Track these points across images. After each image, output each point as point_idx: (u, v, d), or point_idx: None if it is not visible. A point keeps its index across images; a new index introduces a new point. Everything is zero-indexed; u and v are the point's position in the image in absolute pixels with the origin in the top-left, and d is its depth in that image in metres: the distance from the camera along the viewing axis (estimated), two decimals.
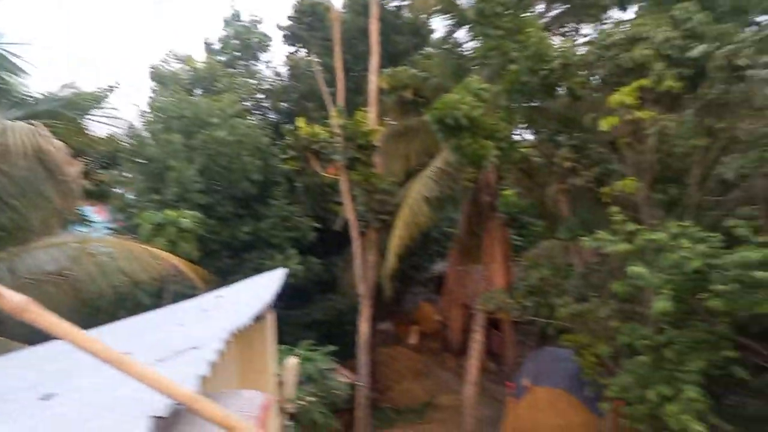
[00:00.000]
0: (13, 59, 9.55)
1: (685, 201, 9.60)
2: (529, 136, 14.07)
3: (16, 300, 1.27)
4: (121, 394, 1.34)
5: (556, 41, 13.05)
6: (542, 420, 12.77)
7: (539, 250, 20.03)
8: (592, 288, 11.19)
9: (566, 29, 16.16)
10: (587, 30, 15.60)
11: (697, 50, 8.44)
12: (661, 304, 7.50)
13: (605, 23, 13.37)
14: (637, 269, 7.85)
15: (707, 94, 8.68)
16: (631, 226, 8.55)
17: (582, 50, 10.20)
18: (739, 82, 8.43)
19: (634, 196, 9.55)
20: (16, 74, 10.15)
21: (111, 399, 1.39)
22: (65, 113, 10.59)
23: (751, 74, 7.70)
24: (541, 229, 21.71)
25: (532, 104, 11.84)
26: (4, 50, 9.39)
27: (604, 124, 9.16)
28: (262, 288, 3.69)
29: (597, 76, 10.09)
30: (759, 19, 11.79)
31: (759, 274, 7.22)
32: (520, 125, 12.40)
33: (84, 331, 1.39)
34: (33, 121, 7.73)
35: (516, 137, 13.61)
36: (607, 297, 9.67)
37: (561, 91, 11.41)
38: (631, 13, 11.75)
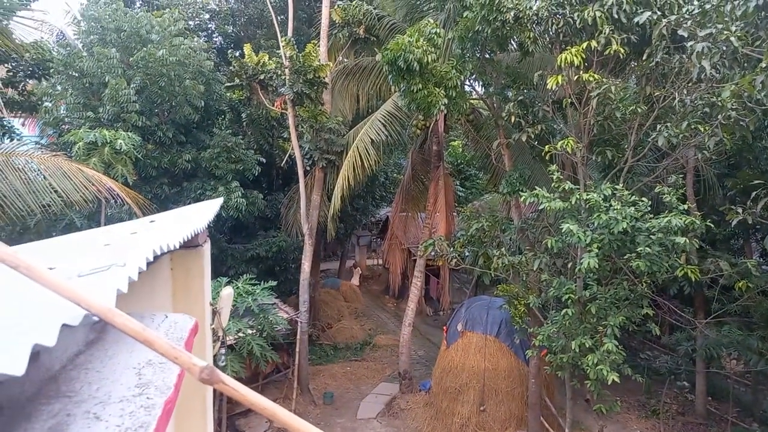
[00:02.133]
0: None
1: (619, 165, 10.02)
2: (479, 89, 14.10)
3: None
4: (30, 301, 1.30)
5: None
6: (472, 363, 13.52)
7: (481, 202, 20.57)
8: (528, 242, 11.67)
9: None
10: None
11: (644, 16, 8.60)
12: (588, 261, 7.94)
13: None
14: (569, 226, 8.22)
15: (649, 62, 8.93)
16: (568, 186, 8.88)
17: (536, 5, 10.16)
18: (679, 53, 8.71)
19: (573, 156, 9.87)
20: None
21: (16, 305, 1.34)
22: None
23: (690, 46, 7.95)
24: (484, 182, 22.18)
25: (484, 55, 11.82)
26: None
27: (551, 82, 9.31)
28: (196, 215, 3.60)
29: (548, 33, 10.13)
30: None
31: (680, 239, 7.74)
32: (471, 76, 12.38)
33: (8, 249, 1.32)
34: None
35: (467, 88, 13.61)
36: (540, 251, 10.12)
37: (513, 44, 11.42)
38: None
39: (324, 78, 14.78)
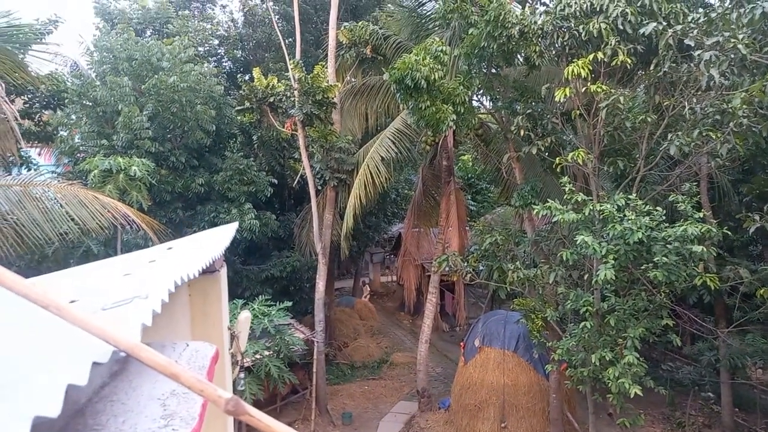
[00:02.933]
0: None
1: (632, 175, 9.97)
2: (486, 103, 14.18)
3: None
4: (60, 339, 1.33)
5: (517, 8, 13.05)
6: (491, 378, 13.39)
7: (493, 215, 20.51)
8: (542, 255, 11.60)
9: None
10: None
11: (649, 27, 8.62)
12: (605, 272, 7.87)
13: None
14: (584, 238, 8.17)
15: (657, 71, 8.93)
16: (581, 197, 8.85)
17: (541, 19, 10.24)
18: (686, 62, 8.70)
19: (584, 167, 9.84)
20: None
21: (48, 344, 1.37)
22: (1, 46, 9.86)
23: (698, 55, 7.95)
24: (495, 195, 22.14)
25: (491, 71, 11.89)
26: None
27: (559, 95, 9.33)
28: (213, 241, 3.64)
29: (554, 47, 10.19)
30: (709, 0, 12.10)
31: (696, 248, 7.66)
32: (479, 91, 12.46)
33: (21, 277, 1.35)
34: None
35: (474, 103, 13.68)
36: (555, 264, 10.05)
37: (519, 59, 11.50)
38: None
39: (333, 98, 14.95)
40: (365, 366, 19.67)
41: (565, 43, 9.78)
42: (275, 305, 13.61)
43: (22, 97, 16.97)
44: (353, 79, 17.23)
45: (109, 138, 14.40)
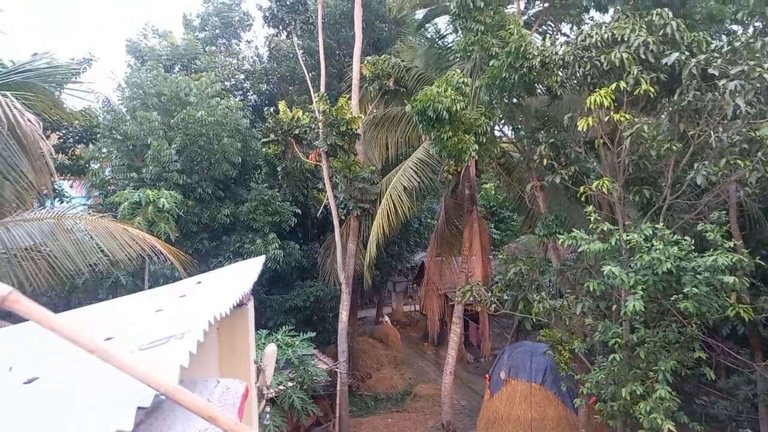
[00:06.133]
0: None
1: (658, 203, 9.84)
2: (508, 132, 14.22)
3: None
4: (105, 382, 1.38)
5: (537, 39, 13.17)
6: (518, 412, 13.08)
7: (517, 244, 20.36)
8: (568, 285, 11.42)
9: (546, 28, 16.35)
10: (567, 30, 15.81)
11: (672, 57, 8.62)
12: (633, 303, 7.72)
13: (584, 24, 13.58)
14: (611, 268, 8.05)
15: (681, 100, 8.88)
16: (606, 226, 8.74)
17: (561, 49, 10.32)
18: (711, 91, 8.64)
19: (609, 196, 9.75)
20: None
21: (95, 387, 1.42)
22: (39, 85, 10.26)
23: (723, 84, 7.90)
24: (518, 223, 22.00)
25: (512, 101, 11.96)
26: None
27: (581, 124, 9.32)
28: (242, 275, 3.71)
29: (575, 76, 10.23)
30: (732, 28, 12.06)
31: (728, 278, 7.47)
32: (500, 121, 12.52)
33: (67, 319, 1.41)
34: (5, 93, 7.52)
35: (496, 133, 13.75)
36: (582, 294, 9.88)
37: (540, 89, 11.55)
38: (609, 15, 11.94)
39: (356, 129, 15.18)
40: (389, 398, 19.40)
41: (586, 73, 9.81)
42: (299, 335, 13.61)
43: (57, 132, 17.61)
44: (375, 110, 17.51)
45: (139, 171, 14.80)
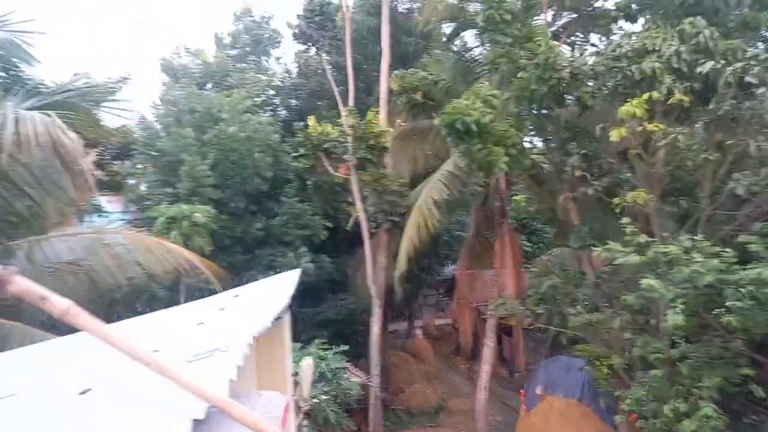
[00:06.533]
0: (27, 48, 9.59)
1: (696, 214, 9.57)
2: (539, 143, 14.09)
3: (61, 304, 1.34)
4: (157, 393, 1.41)
5: (566, 50, 13.06)
6: (555, 429, 12.79)
7: (550, 257, 20.06)
8: (605, 298, 11.16)
9: (575, 38, 16.22)
10: (596, 40, 15.65)
11: (706, 66, 8.43)
12: (674, 317, 7.48)
13: (614, 34, 13.43)
14: (649, 282, 7.84)
15: (717, 109, 8.65)
16: (643, 238, 8.54)
17: (591, 60, 10.21)
18: (749, 99, 8.41)
19: (645, 207, 9.54)
20: (30, 63, 10.23)
21: (147, 398, 1.45)
22: (79, 104, 10.63)
23: (761, 93, 7.68)
24: (551, 236, 21.71)
25: (542, 112, 11.86)
26: (19, 39, 9.43)
27: (614, 135, 9.16)
28: (278, 289, 3.75)
29: (606, 87, 10.09)
30: None
31: None
32: (530, 132, 12.41)
33: (121, 333, 1.45)
34: (48, 112, 7.79)
35: (526, 144, 13.63)
36: (619, 308, 9.64)
37: (570, 100, 11.42)
38: (639, 25, 11.80)
39: (385, 143, 15.25)
40: (422, 412, 19.15)
41: (618, 83, 9.68)
42: (331, 348, 13.62)
43: (95, 149, 18.16)
44: (403, 124, 17.57)
45: (174, 186, 15.15)
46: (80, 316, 1.36)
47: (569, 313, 10.52)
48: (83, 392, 1.67)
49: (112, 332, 1.35)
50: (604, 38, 14.41)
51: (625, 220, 8.96)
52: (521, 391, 14.78)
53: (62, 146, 7.90)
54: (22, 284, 1.30)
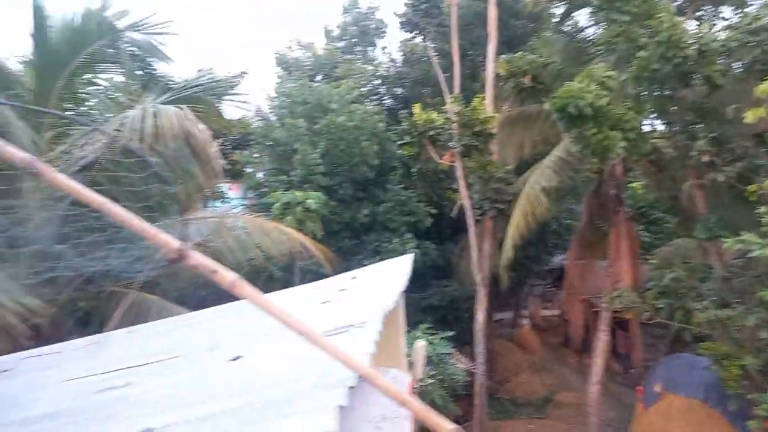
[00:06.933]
0: (162, 48, 10.49)
1: None
2: (660, 127, 13.12)
3: (229, 276, 1.49)
4: (306, 363, 1.54)
5: (692, 26, 12.00)
6: (676, 429, 12.00)
7: (672, 248, 18.66)
8: (736, 293, 10.25)
9: (703, 13, 14.75)
10: (727, 14, 14.16)
11: None
12: None
13: (749, 6, 12.11)
14: None
15: None
16: None
17: (722, 35, 9.30)
18: None
19: None
20: (166, 62, 11.20)
21: (298, 366, 1.60)
22: (204, 98, 11.47)
23: None
24: (673, 226, 20.22)
25: (665, 93, 11.01)
26: (155, 40, 10.34)
27: (750, 116, 8.34)
28: (394, 272, 3.88)
29: (740, 64, 9.18)
30: None
31: None
32: (651, 115, 11.58)
33: (278, 304, 1.60)
34: (180, 105, 8.50)
35: (646, 128, 12.75)
36: (754, 304, 8.82)
37: (697, 79, 10.51)
38: None
39: (491, 129, 14.99)
40: (529, 403, 18.79)
41: (755, 60, 8.79)
42: (437, 334, 13.76)
43: (218, 140, 19.61)
44: (510, 109, 17.12)
45: (288, 174, 15.98)
46: (245, 287, 1.53)
47: (694, 309, 9.79)
48: (234, 359, 1.87)
49: (272, 303, 1.51)
50: (738, 11, 13.04)
51: (762, 209, 8.19)
52: (638, 387, 13.99)
53: (193, 137, 8.62)
54: (197, 258, 1.47)
